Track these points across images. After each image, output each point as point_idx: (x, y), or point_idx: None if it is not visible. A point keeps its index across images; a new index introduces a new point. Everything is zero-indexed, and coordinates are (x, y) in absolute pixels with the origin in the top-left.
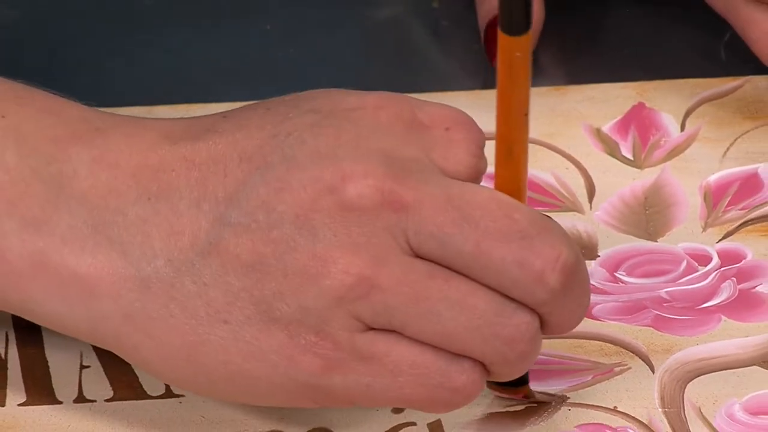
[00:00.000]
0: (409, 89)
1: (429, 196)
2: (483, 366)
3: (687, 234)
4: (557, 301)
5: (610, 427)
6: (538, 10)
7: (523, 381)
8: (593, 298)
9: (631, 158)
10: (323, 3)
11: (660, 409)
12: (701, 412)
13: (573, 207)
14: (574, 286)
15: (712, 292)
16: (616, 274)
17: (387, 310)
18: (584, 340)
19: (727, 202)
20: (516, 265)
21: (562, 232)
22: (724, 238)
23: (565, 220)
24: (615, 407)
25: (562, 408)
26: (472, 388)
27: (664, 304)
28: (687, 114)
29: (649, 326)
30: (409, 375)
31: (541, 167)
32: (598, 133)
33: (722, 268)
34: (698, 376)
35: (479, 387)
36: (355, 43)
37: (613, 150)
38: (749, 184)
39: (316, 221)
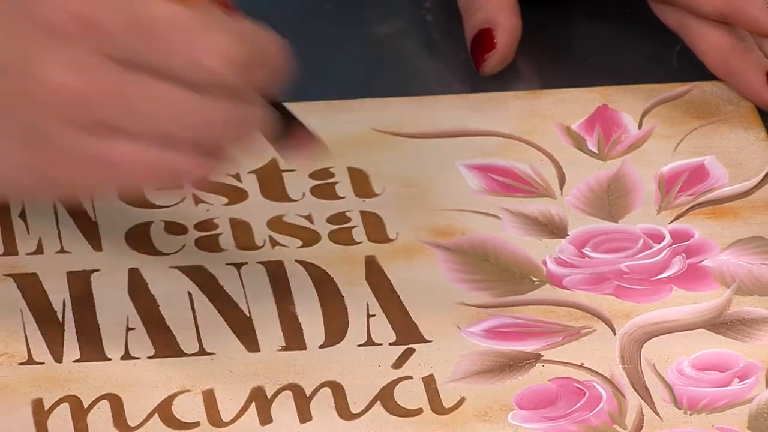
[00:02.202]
0: (406, 92)
1: (120, 19)
2: (201, 148)
3: (643, 216)
4: (242, 83)
5: (578, 381)
6: (516, 26)
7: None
8: (563, 270)
9: (596, 152)
10: (333, 21)
11: (620, 366)
12: (655, 368)
13: (547, 193)
14: (256, 65)
15: (664, 265)
16: (583, 251)
17: (102, 115)
18: (556, 307)
19: (677, 189)
20: (194, 64)
21: (232, 28)
22: (675, 219)
23: (539, 204)
24: (582, 364)
25: (537, 365)
26: (193, 167)
27: (624, 276)
28: (644, 114)
29: (611, 295)
30: (131, 165)
31: (519, 159)
32: (568, 131)
33: (673, 245)
34: (653, 337)
35: (202, 167)
36: (359, 55)
37: (580, 145)
38: (697, 173)
39: (30, 50)
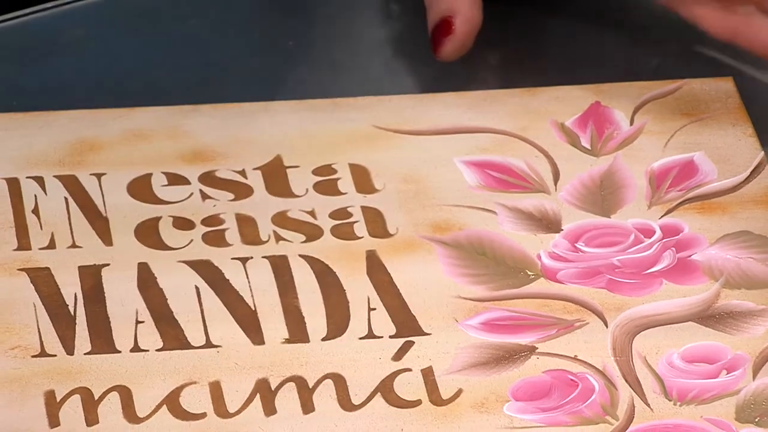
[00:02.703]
0: (405, 90)
1: None
2: None
3: (635, 211)
4: None
5: (572, 373)
6: (476, 16)
7: None
8: (558, 264)
9: (589, 148)
10: (337, 24)
11: (612, 358)
12: (646, 360)
13: (541, 189)
14: None
15: (655, 259)
16: (576, 245)
17: None
18: (550, 300)
19: (668, 184)
20: None
21: None
22: (665, 214)
23: (534, 200)
24: (576, 356)
25: (532, 357)
26: None
27: (616, 270)
28: (635, 111)
29: (603, 288)
30: None
31: (515, 155)
32: (562, 127)
33: (664, 240)
34: (644, 330)
35: None
36: (361, 55)
37: (574, 141)
38: (686, 169)
39: None
